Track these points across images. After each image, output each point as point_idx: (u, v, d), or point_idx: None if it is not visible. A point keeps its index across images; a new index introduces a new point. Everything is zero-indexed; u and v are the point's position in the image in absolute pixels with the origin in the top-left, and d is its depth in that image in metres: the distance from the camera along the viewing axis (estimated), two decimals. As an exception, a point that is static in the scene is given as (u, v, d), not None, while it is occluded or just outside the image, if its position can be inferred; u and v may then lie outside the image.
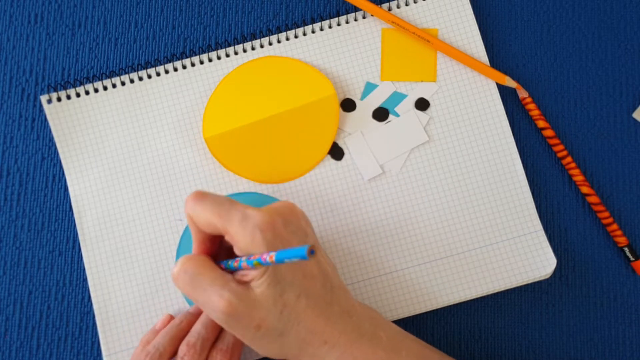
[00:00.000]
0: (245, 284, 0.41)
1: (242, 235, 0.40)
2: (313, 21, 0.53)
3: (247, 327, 0.40)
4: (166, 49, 0.53)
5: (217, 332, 0.45)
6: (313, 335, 0.41)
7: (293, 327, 0.41)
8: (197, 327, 0.45)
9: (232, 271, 0.42)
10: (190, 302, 0.49)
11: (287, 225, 0.42)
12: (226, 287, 0.40)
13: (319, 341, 0.42)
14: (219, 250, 0.45)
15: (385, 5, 0.53)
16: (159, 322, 0.48)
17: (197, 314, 0.47)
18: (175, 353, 0.44)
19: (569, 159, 0.51)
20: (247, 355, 0.48)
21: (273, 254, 0.37)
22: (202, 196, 0.42)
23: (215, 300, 0.40)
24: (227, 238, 0.41)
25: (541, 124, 0.51)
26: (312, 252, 0.35)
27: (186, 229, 0.50)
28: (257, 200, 0.50)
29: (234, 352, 0.45)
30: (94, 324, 0.50)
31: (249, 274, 0.41)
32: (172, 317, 0.48)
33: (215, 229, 0.41)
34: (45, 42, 0.53)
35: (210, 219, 0.41)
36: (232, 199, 0.42)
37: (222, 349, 0.44)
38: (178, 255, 0.50)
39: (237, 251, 0.41)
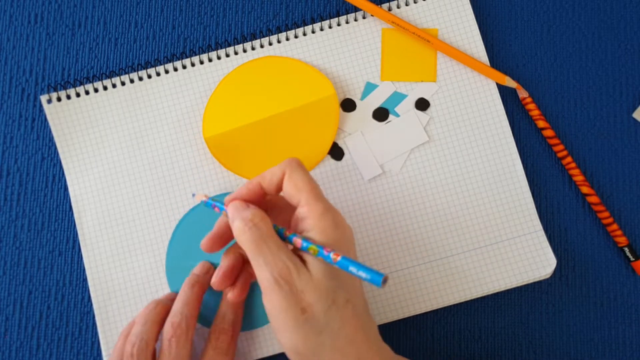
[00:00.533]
0: (303, 261, 0.41)
1: (318, 220, 0.41)
2: (313, 21, 0.53)
3: (294, 305, 0.39)
4: (166, 49, 0.53)
5: (198, 310, 0.45)
6: (351, 346, 0.40)
7: (334, 330, 0.40)
8: (178, 306, 0.45)
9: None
10: (173, 289, 0.48)
11: (349, 238, 0.43)
12: (292, 257, 0.40)
13: (354, 356, 0.40)
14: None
15: (385, 5, 0.53)
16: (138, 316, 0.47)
17: (172, 298, 0.47)
18: (157, 338, 0.44)
19: (569, 159, 0.51)
20: (246, 355, 0.48)
21: (340, 254, 0.38)
22: (303, 167, 0.43)
23: (279, 264, 0.40)
24: (299, 210, 0.42)
25: (541, 124, 0.51)
26: (385, 281, 0.36)
27: (177, 226, 0.50)
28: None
29: (235, 330, 0.45)
30: (94, 324, 0.50)
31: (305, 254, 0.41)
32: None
33: (290, 195, 0.42)
34: (45, 42, 0.53)
35: (302, 187, 0.42)
36: None
37: (224, 328, 0.45)
38: (169, 252, 0.49)
39: (301, 225, 0.42)
